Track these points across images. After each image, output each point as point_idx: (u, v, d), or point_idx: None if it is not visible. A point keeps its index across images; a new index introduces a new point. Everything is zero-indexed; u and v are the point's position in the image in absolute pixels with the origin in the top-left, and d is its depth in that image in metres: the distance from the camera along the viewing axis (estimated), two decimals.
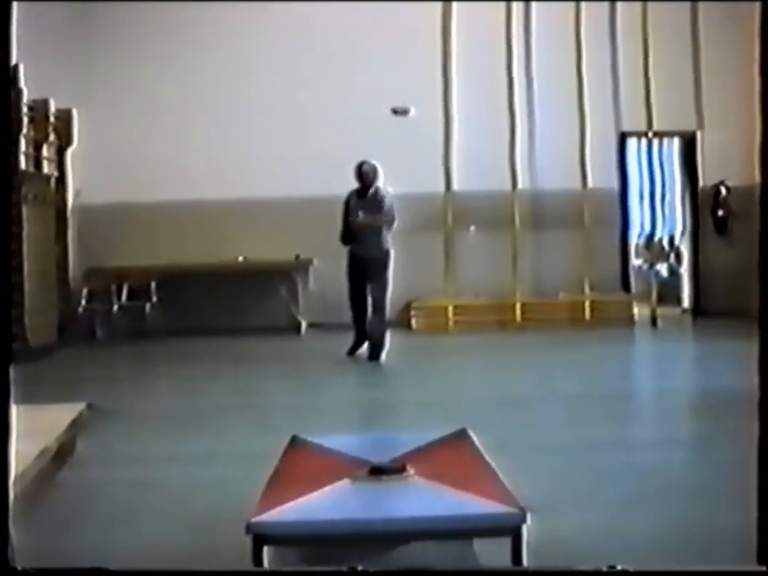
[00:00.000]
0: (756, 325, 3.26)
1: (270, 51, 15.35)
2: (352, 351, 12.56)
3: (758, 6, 3.33)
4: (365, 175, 12.45)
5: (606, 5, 15.81)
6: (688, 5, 15.81)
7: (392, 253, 12.33)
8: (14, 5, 3.21)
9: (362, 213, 12.28)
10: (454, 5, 15.64)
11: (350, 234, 12.47)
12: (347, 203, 12.56)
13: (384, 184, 12.49)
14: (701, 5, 15.77)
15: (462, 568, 4.41)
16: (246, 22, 15.35)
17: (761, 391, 3.22)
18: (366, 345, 12.43)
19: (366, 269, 12.32)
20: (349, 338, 12.58)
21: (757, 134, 3.29)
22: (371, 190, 12.45)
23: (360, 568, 3.16)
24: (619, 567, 3.14)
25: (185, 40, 15.34)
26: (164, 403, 10.12)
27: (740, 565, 3.61)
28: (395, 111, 12.45)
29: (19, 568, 3.21)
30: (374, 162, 12.47)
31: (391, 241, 12.35)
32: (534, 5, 15.77)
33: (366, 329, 12.45)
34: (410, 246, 13.04)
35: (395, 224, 12.38)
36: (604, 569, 3.19)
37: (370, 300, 12.36)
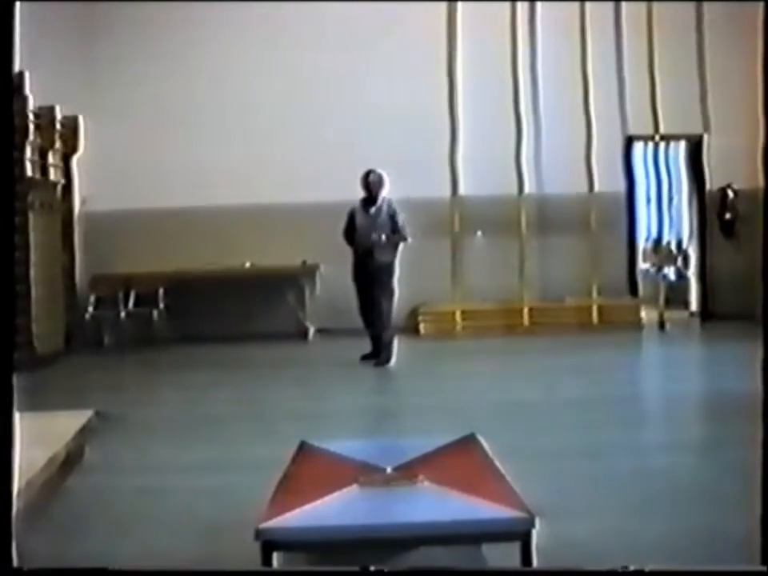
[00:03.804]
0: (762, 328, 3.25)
1: (276, 57, 15.34)
2: (367, 356, 12.54)
3: (761, 7, 3.33)
4: (372, 185, 12.41)
5: (612, 10, 15.81)
6: (693, 8, 15.81)
7: (396, 262, 12.34)
8: (17, 5, 3.21)
9: (375, 233, 12.24)
10: (459, 11, 15.64)
11: (355, 246, 12.46)
12: (352, 215, 12.52)
13: (389, 194, 12.46)
14: (706, 8, 15.76)
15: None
16: (252, 29, 15.37)
17: (764, 394, 3.21)
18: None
19: (371, 277, 12.32)
20: (357, 343, 12.58)
21: (762, 136, 3.28)
22: (379, 203, 12.41)
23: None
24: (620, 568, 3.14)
25: (190, 47, 15.35)
26: (171, 410, 10.11)
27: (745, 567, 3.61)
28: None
29: (24, 568, 3.22)
30: (380, 171, 12.45)
31: (397, 250, 12.38)
32: (539, 9, 15.78)
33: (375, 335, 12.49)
34: (417, 251, 13.02)
35: (408, 240, 12.41)
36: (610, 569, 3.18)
37: (377, 309, 12.36)
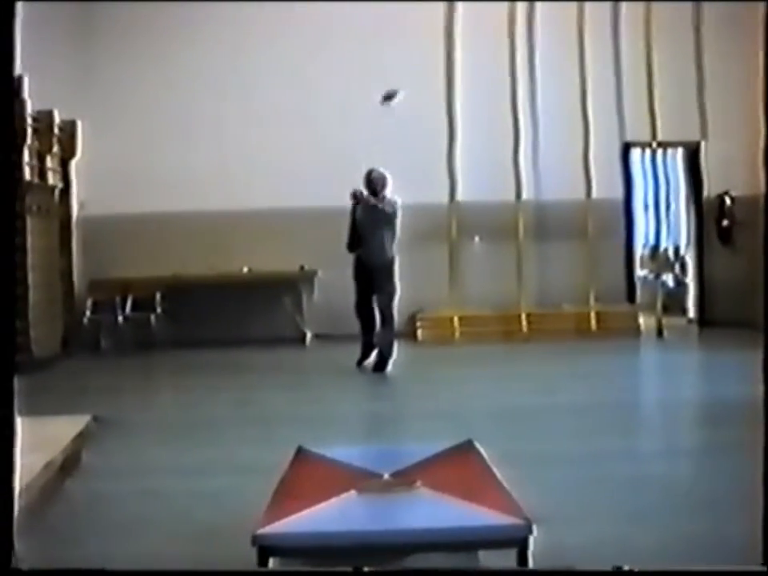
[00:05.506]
0: (761, 334, 3.25)
1: (275, 61, 15.36)
2: (360, 362, 12.52)
3: (761, 7, 3.32)
4: (374, 182, 12.37)
5: (610, 16, 15.82)
6: (691, 14, 15.82)
7: (396, 259, 12.27)
8: (18, 5, 3.21)
9: (371, 219, 12.24)
10: (458, 17, 15.65)
11: (356, 240, 12.41)
12: (354, 209, 12.50)
13: (392, 194, 12.42)
14: (705, 15, 15.77)
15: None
16: (250, 33, 15.38)
17: (765, 399, 3.22)
18: (373, 355, 12.41)
19: (371, 276, 12.26)
20: (354, 349, 12.56)
21: (761, 140, 3.27)
22: (381, 197, 12.38)
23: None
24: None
25: (188, 52, 15.34)
26: (169, 414, 10.11)
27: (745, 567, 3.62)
28: (386, 98, 12.32)
29: (23, 569, 3.22)
30: (382, 170, 12.43)
31: (396, 248, 12.31)
32: (537, 16, 15.79)
33: (374, 339, 12.43)
34: (415, 256, 13.02)
35: (398, 221, 12.32)
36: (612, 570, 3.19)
37: (377, 310, 12.32)
